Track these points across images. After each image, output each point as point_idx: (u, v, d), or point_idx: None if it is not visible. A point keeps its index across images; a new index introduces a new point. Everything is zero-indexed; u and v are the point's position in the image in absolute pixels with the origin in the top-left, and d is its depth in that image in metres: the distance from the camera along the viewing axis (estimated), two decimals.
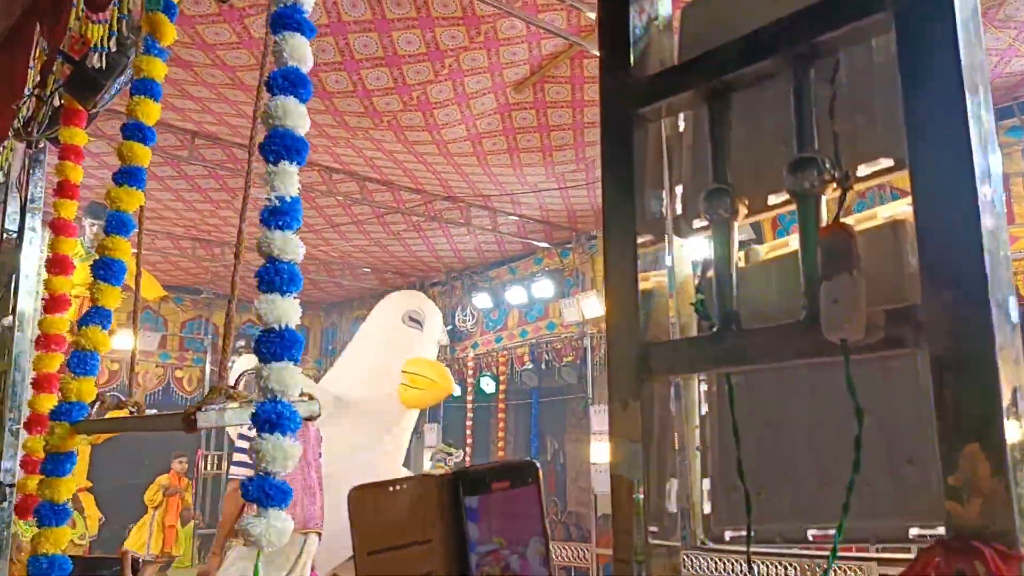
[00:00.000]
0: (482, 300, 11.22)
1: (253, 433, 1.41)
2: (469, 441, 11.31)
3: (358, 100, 6.22)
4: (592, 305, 9.79)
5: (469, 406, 11.35)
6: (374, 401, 6.82)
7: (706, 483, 0.94)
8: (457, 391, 8.52)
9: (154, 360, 11.88)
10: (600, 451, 9.76)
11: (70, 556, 1.96)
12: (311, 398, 1.68)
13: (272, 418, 1.39)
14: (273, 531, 1.37)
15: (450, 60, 5.77)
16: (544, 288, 10.43)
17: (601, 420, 9.76)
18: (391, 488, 0.86)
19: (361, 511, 0.84)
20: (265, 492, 1.37)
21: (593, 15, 5.37)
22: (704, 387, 0.96)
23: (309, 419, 1.67)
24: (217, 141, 7.21)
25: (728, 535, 0.90)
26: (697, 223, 0.98)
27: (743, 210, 0.89)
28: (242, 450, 4.53)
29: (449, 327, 11.70)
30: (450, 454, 9.70)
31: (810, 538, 0.83)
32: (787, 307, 0.85)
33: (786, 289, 0.87)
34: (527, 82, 6.21)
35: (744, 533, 0.89)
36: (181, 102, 6.36)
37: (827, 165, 0.80)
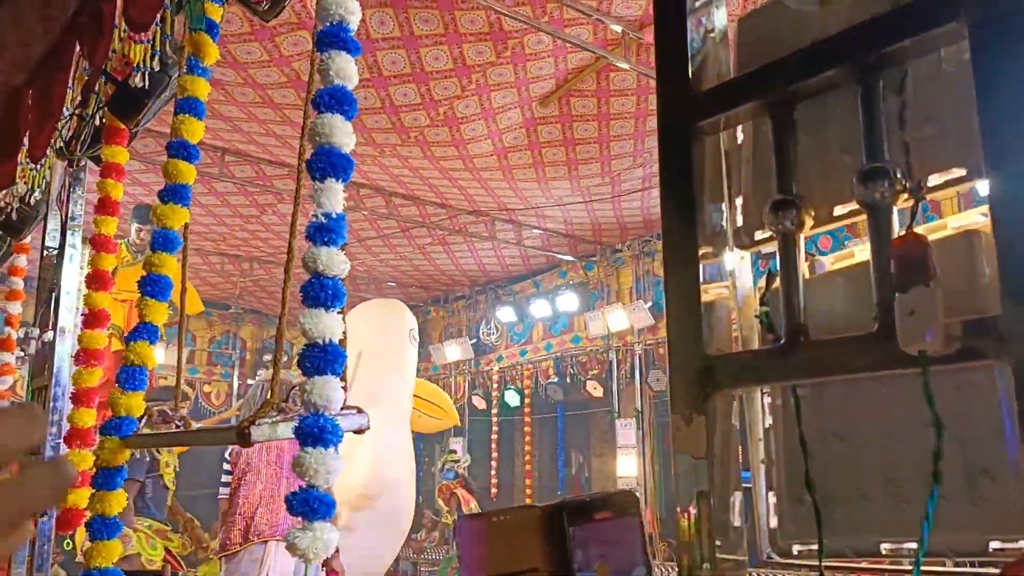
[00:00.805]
0: (506, 314, 11.23)
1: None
2: (495, 455, 11.28)
3: (386, 116, 6.27)
4: (617, 318, 9.76)
5: (494, 420, 11.34)
6: (398, 420, 6.80)
7: (771, 496, 0.93)
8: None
9: (182, 375, 11.97)
10: (626, 465, 9.72)
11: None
12: (360, 411, 1.69)
13: (315, 432, 1.40)
14: (320, 543, 1.37)
15: (477, 75, 5.80)
16: (569, 301, 10.42)
17: (627, 434, 9.72)
18: (495, 519, 0.88)
19: (468, 541, 0.85)
20: (310, 505, 1.38)
21: (619, 28, 5.39)
22: (768, 400, 0.95)
23: (358, 432, 1.69)
24: (246, 158, 7.29)
25: (796, 549, 0.90)
26: (759, 234, 0.98)
27: (809, 221, 0.89)
28: (226, 472, 4.74)
29: (474, 340, 11.72)
30: (456, 461, 9.67)
31: (883, 552, 0.82)
32: (855, 319, 0.84)
33: (854, 300, 0.87)
34: (553, 96, 6.23)
35: (812, 547, 0.88)
36: (212, 121, 6.44)
37: (898, 175, 0.80)
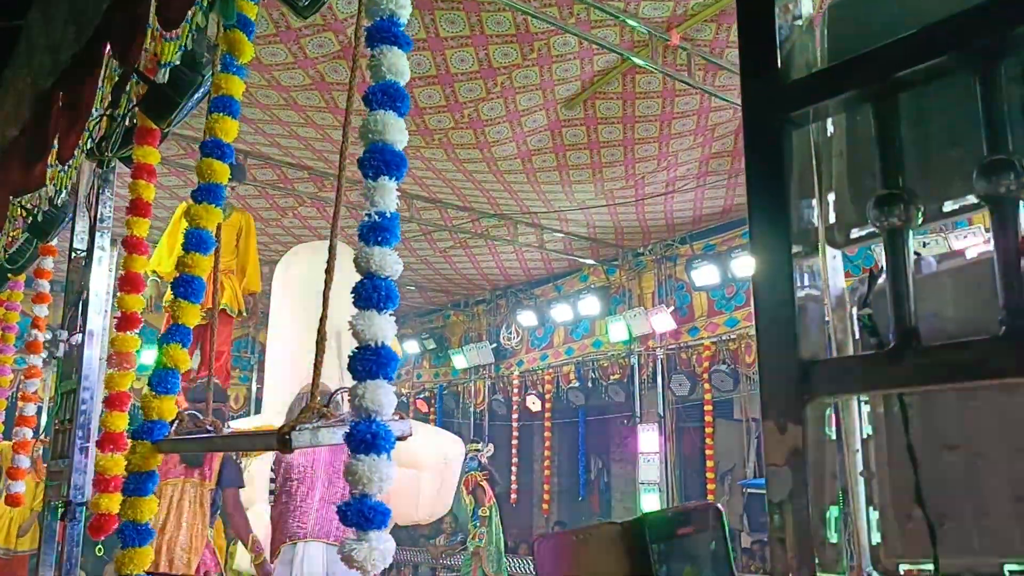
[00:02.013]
0: (527, 318, 11.16)
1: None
2: (515, 460, 11.22)
3: (410, 118, 6.20)
4: (639, 322, 9.68)
5: (515, 424, 11.28)
6: None
7: (873, 512, 0.87)
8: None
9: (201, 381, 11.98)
10: (648, 471, 9.62)
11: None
12: (402, 417, 1.64)
13: (367, 439, 1.35)
14: (377, 554, 1.32)
15: (502, 77, 5.76)
16: (590, 305, 10.34)
17: (649, 439, 9.63)
18: (576, 537, 0.83)
19: (549, 560, 0.81)
20: (365, 515, 1.33)
21: (646, 30, 5.33)
22: (867, 408, 0.89)
23: (401, 439, 1.64)
24: (268, 161, 7.27)
25: (903, 569, 0.84)
26: (855, 232, 0.92)
27: (918, 217, 0.83)
28: (272, 480, 4.64)
29: (494, 345, 11.67)
30: (479, 450, 9.47)
31: (1007, 573, 0.76)
32: (972, 322, 0.78)
33: (970, 303, 0.81)
34: (578, 99, 6.17)
35: (922, 566, 0.82)
36: None
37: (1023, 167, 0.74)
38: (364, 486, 1.29)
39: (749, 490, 9.93)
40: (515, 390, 11.34)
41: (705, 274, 8.85)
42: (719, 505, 0.83)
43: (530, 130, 6.58)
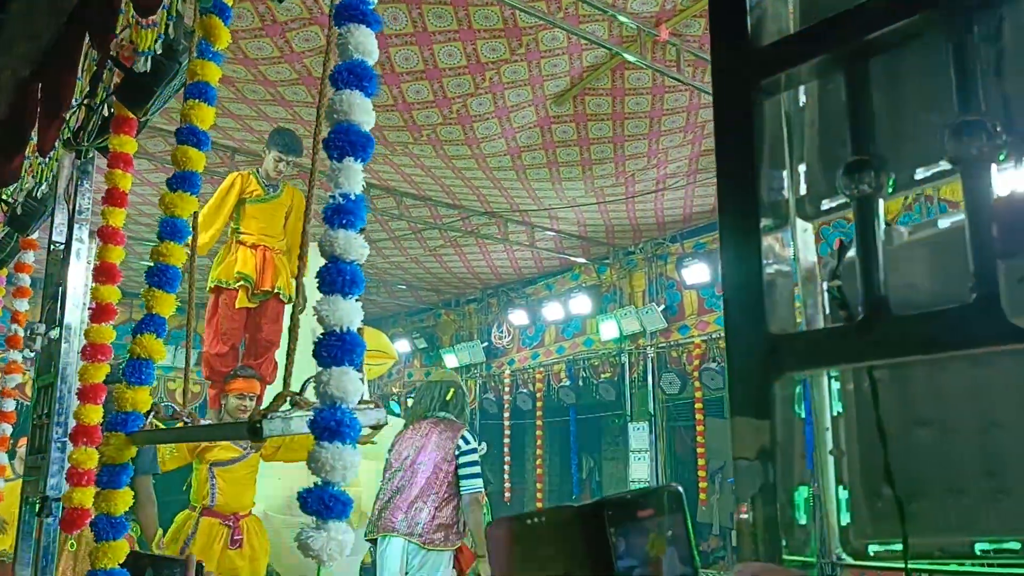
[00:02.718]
0: (518, 317, 11.13)
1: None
2: (507, 459, 11.18)
3: (398, 114, 6.20)
4: (630, 321, 9.66)
5: (506, 423, 11.24)
6: None
7: (842, 491, 0.84)
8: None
9: (191, 376, 11.90)
10: (638, 468, 9.60)
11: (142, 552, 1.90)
12: (377, 405, 1.61)
13: (332, 426, 1.31)
14: (334, 544, 1.29)
15: (491, 73, 5.72)
16: (581, 304, 10.32)
17: (640, 438, 9.61)
18: (530, 521, 0.79)
19: (501, 545, 0.77)
20: (325, 503, 1.29)
21: (635, 25, 5.30)
22: (837, 385, 0.86)
23: (375, 428, 1.60)
24: (257, 157, 7.22)
25: (872, 549, 0.81)
26: (827, 203, 0.89)
27: (889, 184, 0.80)
28: (475, 463, 4.67)
29: (485, 344, 11.63)
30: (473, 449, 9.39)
31: (978, 553, 0.73)
32: (944, 292, 0.75)
33: (941, 272, 0.78)
34: (567, 95, 6.14)
35: (891, 547, 0.79)
36: (222, 119, 6.38)
37: (997, 128, 0.71)
38: (327, 474, 1.26)
39: None
40: (506, 389, 11.31)
41: (695, 272, 8.85)
42: (679, 488, 0.80)
43: (519, 126, 6.54)
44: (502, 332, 11.61)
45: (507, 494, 11.05)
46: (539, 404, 10.98)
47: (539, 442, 11.18)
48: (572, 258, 10.35)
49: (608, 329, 9.90)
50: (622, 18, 5.17)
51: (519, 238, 9.49)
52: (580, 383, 10.52)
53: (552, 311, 10.64)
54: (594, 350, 10.46)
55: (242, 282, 5.01)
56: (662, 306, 9.56)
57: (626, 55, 5.46)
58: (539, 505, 11.09)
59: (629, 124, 6.63)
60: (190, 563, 1.21)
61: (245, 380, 4.75)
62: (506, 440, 11.20)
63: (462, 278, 11.35)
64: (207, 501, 4.53)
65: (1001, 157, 0.73)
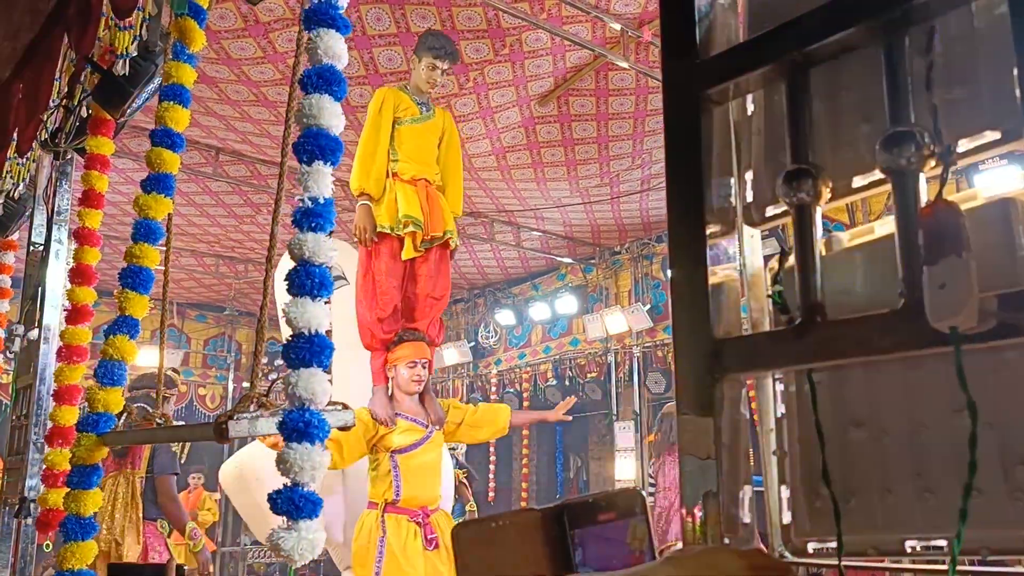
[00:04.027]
0: (505, 317, 11.15)
1: None
2: (492, 459, 11.20)
3: None
4: (616, 321, 9.69)
5: None
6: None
7: (784, 491, 0.86)
8: None
9: (179, 378, 11.88)
10: (624, 468, 9.63)
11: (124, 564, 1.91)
12: (345, 407, 1.62)
13: (300, 427, 1.33)
14: (305, 544, 1.31)
15: (475, 73, 5.74)
16: (567, 304, 10.35)
17: (626, 437, 9.64)
18: (494, 524, 0.81)
19: (465, 548, 0.78)
20: (295, 504, 1.31)
21: (618, 26, 5.33)
22: (781, 387, 0.88)
23: (343, 429, 1.61)
24: (241, 158, 7.22)
25: (812, 547, 0.83)
26: (771, 210, 0.91)
27: (826, 192, 0.82)
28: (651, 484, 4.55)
29: (472, 344, 11.64)
30: (453, 448, 9.37)
31: (908, 550, 0.75)
32: (878, 297, 0.78)
33: (875, 277, 0.80)
34: (551, 95, 6.17)
35: (829, 545, 0.81)
36: (205, 119, 6.37)
37: (926, 139, 0.73)
38: (295, 475, 1.27)
39: None
40: (493, 388, 11.32)
41: None
42: (643, 492, 0.82)
43: (504, 127, 6.56)
44: (489, 332, 11.63)
45: (491, 493, 11.07)
46: (526, 404, 11.01)
47: (525, 441, 11.21)
48: (558, 258, 10.38)
49: (594, 329, 9.93)
50: (605, 19, 5.20)
51: (505, 238, 9.51)
52: (566, 383, 10.55)
53: (539, 311, 10.67)
54: (580, 350, 10.49)
55: (411, 226, 4.02)
56: (648, 305, 9.60)
57: (610, 56, 5.49)
58: (523, 504, 11.12)
59: (613, 125, 6.66)
60: (170, 568, 1.22)
61: (414, 344, 3.99)
62: (491, 440, 11.21)
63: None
64: (390, 495, 3.79)
65: (931, 166, 0.75)
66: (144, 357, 9.34)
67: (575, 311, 10.36)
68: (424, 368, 3.96)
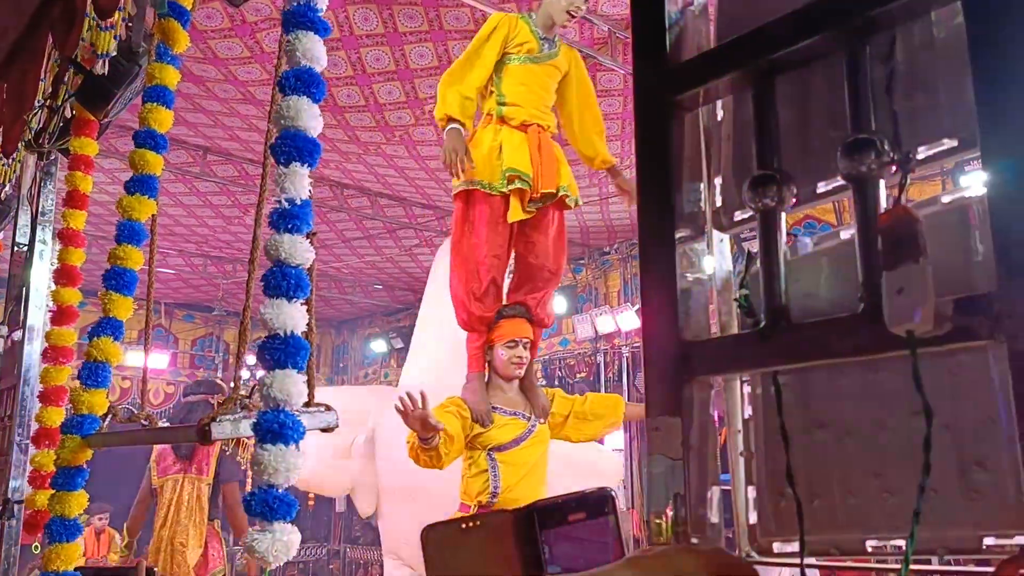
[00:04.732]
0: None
1: None
2: None
3: (370, 114, 6.21)
4: (605, 321, 9.72)
5: None
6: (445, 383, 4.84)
7: (751, 491, 0.88)
8: None
9: (165, 378, 11.86)
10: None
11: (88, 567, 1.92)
12: (328, 408, 1.63)
13: (274, 428, 1.33)
14: (280, 545, 1.31)
15: None
16: (557, 304, 10.32)
17: (615, 436, 9.66)
18: (464, 525, 0.82)
19: (436, 550, 0.80)
20: (269, 505, 1.32)
21: (606, 28, 5.35)
22: (748, 389, 0.90)
23: (325, 431, 1.62)
24: (229, 157, 7.21)
25: (777, 547, 0.84)
26: (739, 215, 0.92)
27: (791, 198, 0.83)
28: None
29: None
30: None
31: (868, 549, 0.77)
32: (840, 301, 0.79)
33: (839, 282, 0.81)
34: None
35: (794, 545, 0.83)
36: (193, 116, 6.36)
37: (885, 146, 0.75)
38: (270, 476, 1.28)
39: None
40: None
41: None
42: (613, 491, 0.83)
43: None
44: None
45: None
46: None
47: None
48: None
49: (583, 329, 9.95)
50: (593, 20, 5.22)
51: None
52: (556, 382, 10.56)
53: None
54: (570, 350, 10.51)
55: (517, 182, 3.36)
56: (637, 306, 9.62)
57: (598, 56, 5.50)
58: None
59: None
60: (140, 570, 1.22)
61: (514, 322, 3.39)
62: None
63: None
64: (485, 497, 3.29)
65: (891, 172, 0.76)
66: (131, 358, 9.33)
67: (565, 311, 10.38)
68: (526, 349, 3.37)
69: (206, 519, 4.44)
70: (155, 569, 1.18)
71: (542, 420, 3.43)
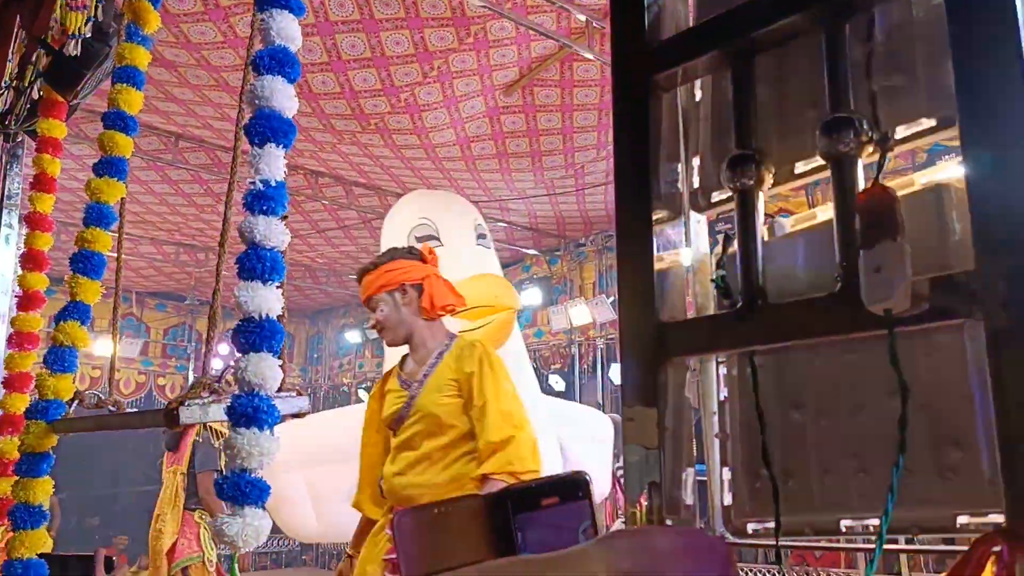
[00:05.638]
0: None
1: None
2: None
3: (345, 102, 6.15)
4: (580, 313, 9.73)
5: None
6: None
7: (726, 473, 0.88)
8: (520, 305, 4.90)
9: (136, 367, 11.71)
10: None
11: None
12: (300, 393, 1.61)
13: (248, 412, 1.31)
14: (250, 530, 1.29)
15: (439, 62, 5.71)
16: (532, 296, 10.36)
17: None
18: (436, 510, 0.80)
19: (407, 536, 0.78)
20: (241, 489, 1.30)
21: (583, 17, 5.33)
22: (724, 371, 0.89)
23: (297, 416, 1.60)
24: (201, 144, 7.11)
25: (752, 527, 0.84)
26: (716, 196, 0.92)
27: (769, 178, 0.83)
28: None
29: None
30: None
31: (843, 529, 0.77)
32: (818, 281, 0.79)
33: (816, 262, 0.81)
34: (516, 85, 6.16)
35: (769, 525, 0.83)
36: (165, 104, 6.26)
37: (864, 126, 0.74)
38: (243, 460, 1.26)
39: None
40: None
41: None
42: (587, 475, 0.82)
43: (468, 116, 6.54)
44: None
45: None
46: None
47: None
48: (523, 250, 10.39)
49: (558, 320, 9.96)
50: (570, 9, 5.20)
51: None
52: None
53: None
54: (544, 341, 10.52)
55: None
56: (612, 298, 9.64)
57: (575, 47, 5.49)
58: None
59: (578, 116, 6.67)
60: (97, 557, 1.20)
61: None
62: None
63: None
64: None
65: (869, 152, 0.76)
66: (101, 347, 9.20)
67: (540, 303, 10.38)
68: (375, 311, 2.82)
69: (182, 507, 4.51)
70: (114, 559, 1.16)
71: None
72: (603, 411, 9.63)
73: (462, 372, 2.61)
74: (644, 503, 0.86)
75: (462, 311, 3.53)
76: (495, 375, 2.61)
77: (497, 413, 2.52)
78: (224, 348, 9.82)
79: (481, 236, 4.81)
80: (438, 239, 4.40)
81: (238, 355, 1.38)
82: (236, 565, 1.75)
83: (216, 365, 7.56)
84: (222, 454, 4.50)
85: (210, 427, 4.52)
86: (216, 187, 7.94)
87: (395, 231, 4.78)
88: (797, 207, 7.42)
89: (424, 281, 2.76)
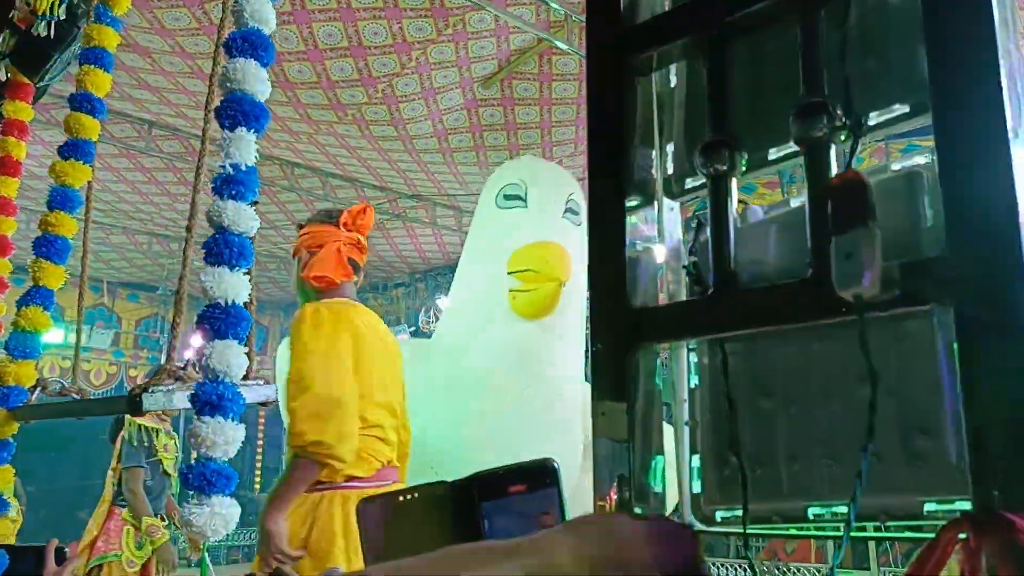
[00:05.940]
0: (446, 301, 11.10)
1: None
2: None
3: (322, 92, 6.09)
4: None
5: None
6: (476, 334, 4.18)
7: (695, 460, 0.87)
8: (570, 277, 4.28)
9: (107, 358, 11.56)
10: None
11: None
12: (267, 382, 1.59)
13: (213, 400, 1.29)
14: (218, 519, 1.27)
15: (417, 52, 5.67)
16: None
17: None
18: (401, 498, 0.79)
19: (371, 524, 0.76)
20: (207, 478, 1.28)
21: (562, 11, 5.32)
22: (695, 358, 0.88)
23: (264, 405, 1.58)
24: (175, 132, 7.02)
25: (720, 515, 0.83)
26: (690, 182, 0.91)
27: (742, 164, 0.82)
28: None
29: (413, 328, 11.56)
30: None
31: (811, 517, 0.76)
32: (790, 268, 0.78)
33: (788, 249, 0.80)
34: (495, 78, 6.13)
35: (737, 512, 0.82)
36: (138, 91, 6.17)
37: (837, 111, 0.74)
38: (208, 449, 1.24)
39: None
40: None
41: None
42: (555, 463, 0.81)
43: (446, 108, 6.51)
44: (429, 317, 11.56)
45: None
46: None
47: None
48: None
49: None
50: (550, 3, 5.18)
51: (447, 222, 9.45)
52: None
53: None
54: None
55: None
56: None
57: (553, 40, 5.47)
58: None
59: (556, 110, 6.65)
60: (48, 548, 1.18)
61: None
62: None
63: (389, 262, 11.26)
64: None
65: (842, 138, 0.75)
66: (72, 337, 9.08)
67: None
68: None
69: (109, 503, 4.54)
70: (65, 550, 1.14)
71: None
72: None
73: None
74: (614, 497, 0.85)
75: (515, 272, 3.75)
76: (298, 338, 2.08)
77: (289, 384, 1.97)
78: (198, 340, 9.70)
79: (570, 211, 4.58)
80: (524, 202, 4.36)
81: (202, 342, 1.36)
82: (207, 557, 1.73)
83: (189, 356, 7.48)
84: (143, 454, 4.50)
85: (140, 425, 4.50)
86: (190, 176, 7.82)
87: (491, 185, 4.67)
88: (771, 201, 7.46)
89: (322, 248, 2.53)
